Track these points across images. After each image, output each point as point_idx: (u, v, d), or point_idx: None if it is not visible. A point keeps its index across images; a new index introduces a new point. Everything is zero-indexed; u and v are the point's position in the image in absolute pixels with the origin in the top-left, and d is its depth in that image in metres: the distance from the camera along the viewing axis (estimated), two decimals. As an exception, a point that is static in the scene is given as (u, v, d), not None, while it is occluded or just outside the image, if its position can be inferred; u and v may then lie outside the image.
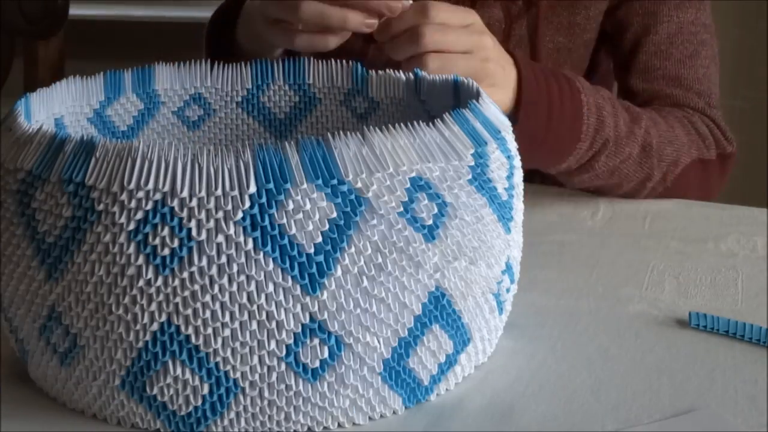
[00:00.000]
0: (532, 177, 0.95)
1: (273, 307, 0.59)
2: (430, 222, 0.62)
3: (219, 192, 0.58)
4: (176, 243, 0.58)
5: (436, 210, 0.62)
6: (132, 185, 0.59)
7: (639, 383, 0.70)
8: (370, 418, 0.65)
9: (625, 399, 0.68)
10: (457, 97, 0.79)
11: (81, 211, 0.60)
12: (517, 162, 0.72)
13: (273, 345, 0.60)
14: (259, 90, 0.88)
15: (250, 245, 0.58)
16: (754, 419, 0.66)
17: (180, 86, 0.86)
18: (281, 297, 0.59)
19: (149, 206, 0.58)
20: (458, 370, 0.69)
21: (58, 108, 0.79)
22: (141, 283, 0.59)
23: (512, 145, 0.72)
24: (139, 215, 0.58)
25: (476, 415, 0.67)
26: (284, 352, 0.60)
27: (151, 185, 0.58)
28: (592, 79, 1.20)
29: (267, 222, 0.58)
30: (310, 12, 0.88)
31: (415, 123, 0.63)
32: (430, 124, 0.64)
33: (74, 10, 1.65)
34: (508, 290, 0.72)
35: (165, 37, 2.59)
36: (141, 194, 0.58)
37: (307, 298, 0.59)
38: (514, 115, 0.93)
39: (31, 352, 0.67)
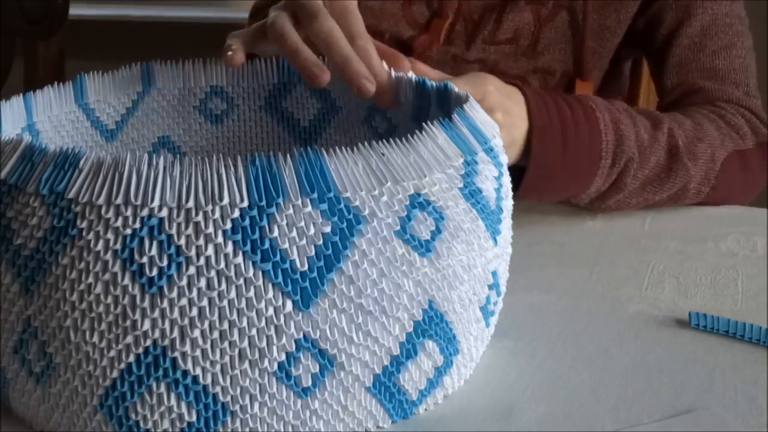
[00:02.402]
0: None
1: (264, 324, 0.58)
2: (428, 237, 0.61)
3: (209, 206, 0.56)
4: (165, 261, 0.56)
5: (433, 225, 0.61)
6: (119, 200, 0.56)
7: (639, 383, 0.70)
8: None
9: (625, 399, 0.68)
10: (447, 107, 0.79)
11: (63, 223, 0.57)
12: (506, 170, 0.71)
13: (265, 363, 0.58)
14: (280, 93, 0.88)
15: (240, 259, 0.56)
16: (754, 419, 0.66)
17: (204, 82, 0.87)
18: (272, 313, 0.58)
19: (137, 222, 0.56)
20: (447, 383, 0.68)
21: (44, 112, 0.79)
22: (126, 300, 0.57)
23: (501, 153, 0.70)
24: (127, 231, 0.56)
25: (476, 415, 0.67)
26: (276, 368, 0.59)
27: (139, 200, 0.56)
28: (609, 81, 1.19)
29: (257, 236, 0.57)
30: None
31: (409, 136, 0.62)
32: (421, 134, 0.62)
33: (74, 10, 1.65)
34: (495, 303, 0.71)
35: (165, 37, 2.59)
36: (129, 210, 0.56)
37: (300, 315, 0.58)
38: (528, 144, 0.91)
39: (4, 371, 0.63)
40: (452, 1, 1.11)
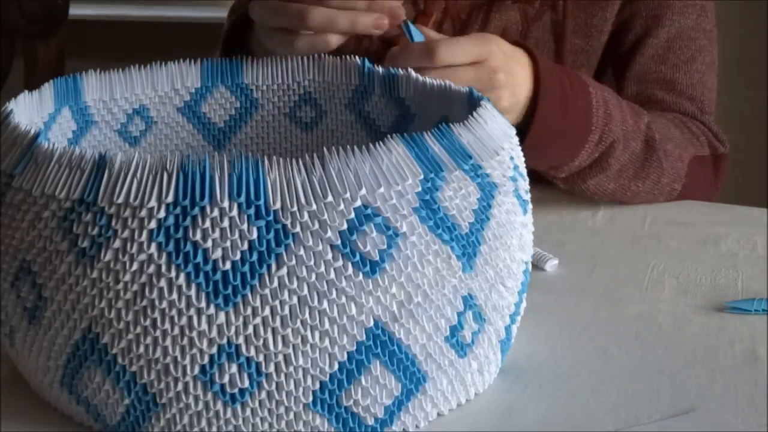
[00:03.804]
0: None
1: (185, 322, 0.58)
2: (376, 257, 0.59)
3: (137, 202, 0.57)
4: (95, 250, 0.58)
5: (384, 243, 0.59)
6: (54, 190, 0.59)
7: (639, 383, 0.70)
8: None
9: (625, 399, 0.68)
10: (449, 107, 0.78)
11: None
12: (503, 192, 0.66)
13: (187, 362, 0.59)
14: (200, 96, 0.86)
15: (164, 258, 0.57)
16: (754, 419, 0.66)
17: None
18: (193, 313, 0.58)
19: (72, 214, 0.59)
20: (415, 412, 0.64)
21: (131, 93, 0.81)
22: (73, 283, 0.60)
23: (495, 173, 0.65)
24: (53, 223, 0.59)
25: (476, 414, 0.67)
26: (198, 371, 0.59)
27: (63, 193, 0.59)
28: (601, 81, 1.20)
29: (181, 235, 0.57)
30: (319, 19, 0.85)
31: (365, 145, 0.60)
32: (378, 145, 0.60)
33: (74, 10, 1.65)
34: (475, 332, 0.65)
35: (165, 37, 2.59)
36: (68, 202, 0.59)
37: (221, 318, 0.58)
38: (533, 103, 0.93)
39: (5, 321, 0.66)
40: (439, 0, 1.11)
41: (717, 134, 1.13)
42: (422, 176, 0.60)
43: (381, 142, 0.60)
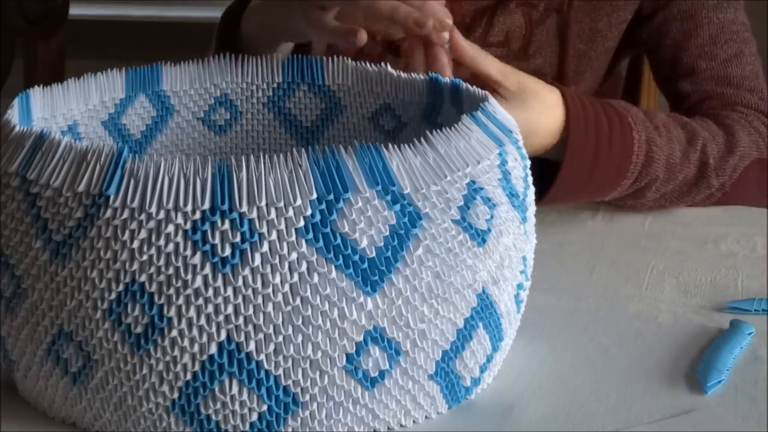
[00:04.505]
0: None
1: (337, 315, 0.59)
2: (485, 226, 0.63)
3: (281, 203, 0.57)
4: (237, 257, 0.57)
5: (488, 214, 0.64)
6: (188, 206, 0.57)
7: (639, 383, 0.70)
8: (414, 421, 0.65)
9: (625, 399, 0.68)
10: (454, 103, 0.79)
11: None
12: (528, 162, 0.72)
13: (336, 354, 0.60)
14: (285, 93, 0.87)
15: (314, 254, 0.58)
16: (754, 419, 0.66)
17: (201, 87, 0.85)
18: (344, 303, 0.59)
19: (206, 225, 0.57)
20: (493, 368, 0.70)
21: (67, 109, 0.79)
22: (202, 297, 0.58)
23: (523, 147, 0.72)
24: (198, 235, 0.57)
25: (476, 415, 0.67)
26: (345, 361, 0.60)
27: (207, 204, 0.57)
28: (605, 82, 1.19)
29: (329, 228, 0.58)
30: (386, 7, 0.85)
31: (450, 128, 0.64)
32: (458, 127, 0.64)
33: (74, 10, 1.65)
34: (524, 289, 0.72)
35: (165, 37, 2.59)
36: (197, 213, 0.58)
37: (369, 304, 0.59)
38: (560, 149, 0.92)
39: (24, 367, 0.65)
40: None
41: None
42: (498, 150, 0.66)
43: (461, 122, 0.65)
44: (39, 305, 0.61)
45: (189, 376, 0.59)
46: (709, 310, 0.80)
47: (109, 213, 0.58)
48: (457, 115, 0.68)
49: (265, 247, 0.57)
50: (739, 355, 0.73)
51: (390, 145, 0.61)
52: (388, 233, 0.59)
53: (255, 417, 0.60)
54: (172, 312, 0.58)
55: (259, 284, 0.58)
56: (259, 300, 0.58)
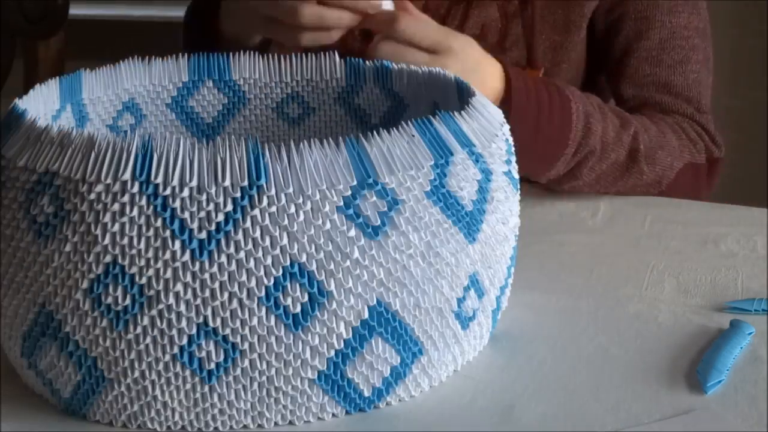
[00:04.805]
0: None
1: (454, 264, 0.66)
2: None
3: (412, 170, 0.63)
4: (387, 225, 0.63)
5: (476, 191, 0.67)
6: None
7: (639, 383, 0.70)
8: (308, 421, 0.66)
9: (625, 399, 0.68)
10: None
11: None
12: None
13: (451, 300, 0.67)
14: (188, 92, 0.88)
15: (439, 212, 0.65)
16: (754, 419, 0.66)
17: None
18: (457, 254, 0.66)
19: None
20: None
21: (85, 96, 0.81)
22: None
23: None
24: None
25: (476, 415, 0.67)
26: (456, 306, 0.67)
27: (355, 180, 0.62)
28: (596, 86, 1.20)
29: (445, 188, 0.65)
30: (309, 15, 0.93)
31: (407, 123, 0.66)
32: (435, 116, 0.67)
33: (74, 10, 1.65)
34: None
35: (165, 37, 2.59)
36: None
37: (471, 252, 0.67)
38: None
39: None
40: None
41: (714, 137, 1.13)
42: (432, 162, 0.66)
43: (439, 112, 0.68)
44: (177, 305, 0.61)
45: (341, 344, 0.63)
46: (709, 310, 0.81)
47: (265, 201, 0.60)
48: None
49: (407, 212, 0.63)
50: (739, 355, 0.73)
51: (374, 133, 0.64)
52: (476, 188, 0.67)
53: (388, 371, 0.65)
54: (332, 285, 0.62)
55: (403, 245, 0.63)
56: (404, 260, 0.63)
